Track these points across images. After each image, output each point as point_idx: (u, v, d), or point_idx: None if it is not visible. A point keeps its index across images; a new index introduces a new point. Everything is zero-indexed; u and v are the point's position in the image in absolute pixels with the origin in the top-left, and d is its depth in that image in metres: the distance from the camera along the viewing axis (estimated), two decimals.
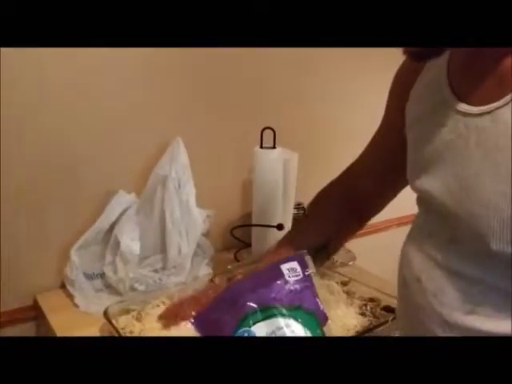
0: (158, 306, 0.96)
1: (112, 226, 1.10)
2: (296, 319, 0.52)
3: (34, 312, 1.08)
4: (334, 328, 0.79)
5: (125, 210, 1.10)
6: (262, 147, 1.23)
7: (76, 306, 1.04)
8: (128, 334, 0.87)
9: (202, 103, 1.24)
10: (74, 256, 1.06)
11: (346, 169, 0.88)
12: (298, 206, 1.33)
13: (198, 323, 0.56)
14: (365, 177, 0.83)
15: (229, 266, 1.14)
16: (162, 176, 1.10)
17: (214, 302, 0.59)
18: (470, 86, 0.57)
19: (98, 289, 1.09)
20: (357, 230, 0.89)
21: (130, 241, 1.04)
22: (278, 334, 0.50)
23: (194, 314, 0.57)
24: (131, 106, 1.13)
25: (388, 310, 0.91)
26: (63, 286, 1.10)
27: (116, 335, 0.87)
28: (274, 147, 1.23)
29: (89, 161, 1.09)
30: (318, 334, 0.51)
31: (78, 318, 1.00)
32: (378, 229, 1.67)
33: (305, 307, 0.53)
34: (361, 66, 1.49)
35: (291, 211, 1.29)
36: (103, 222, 1.08)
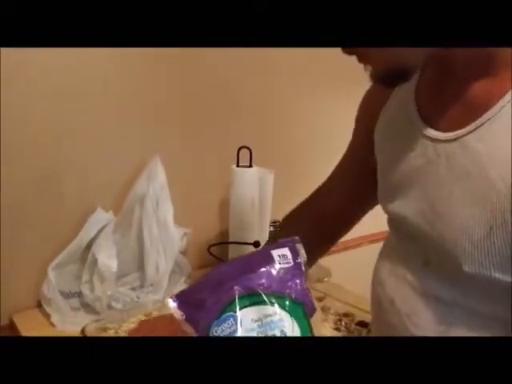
0: (134, 323, 0.97)
1: (89, 245, 1.11)
2: (284, 308, 0.51)
3: (10, 331, 1.07)
4: None
5: (102, 228, 1.10)
6: (238, 166, 1.25)
7: (52, 325, 1.03)
8: None
9: (179, 123, 1.26)
10: (51, 274, 1.06)
11: (315, 190, 0.89)
12: (274, 223, 1.36)
13: (181, 301, 0.54)
14: (333, 198, 0.84)
15: None
16: (139, 194, 1.12)
17: (199, 282, 0.57)
18: (437, 112, 0.58)
19: (74, 308, 1.08)
20: (328, 247, 0.90)
21: (108, 259, 1.04)
22: (265, 321, 0.50)
23: (175, 294, 0.55)
24: (108, 124, 1.14)
25: (362, 324, 0.93)
26: (39, 305, 1.09)
27: None
28: (250, 166, 1.25)
29: (66, 179, 1.10)
30: (305, 324, 0.51)
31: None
32: (352, 245, 1.70)
33: (293, 296, 0.53)
34: (335, 87, 1.53)
35: (267, 228, 1.31)
36: (81, 240, 1.09)
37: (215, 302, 0.52)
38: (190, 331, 0.54)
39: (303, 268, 0.55)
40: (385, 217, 0.71)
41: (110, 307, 1.07)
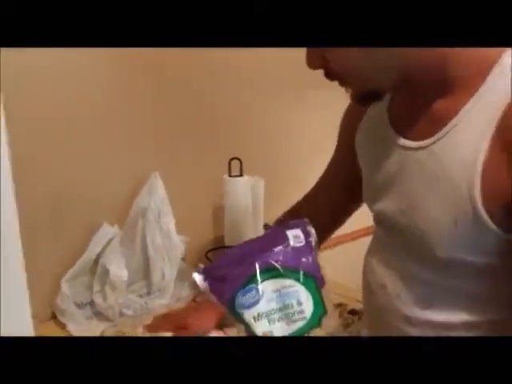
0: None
1: (97, 257, 1.19)
2: (298, 280, 0.60)
3: None
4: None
5: (109, 241, 1.19)
6: (230, 176, 1.35)
7: (69, 333, 1.11)
8: None
9: (174, 139, 1.35)
10: (64, 286, 1.14)
11: (305, 195, 0.98)
12: (265, 226, 1.46)
13: (206, 276, 0.63)
14: (322, 201, 0.93)
15: None
16: (142, 208, 1.20)
17: (222, 259, 0.66)
18: (407, 124, 0.68)
19: (87, 316, 1.17)
20: (324, 238, 0.96)
21: (118, 269, 1.13)
22: (282, 292, 0.59)
23: (202, 266, 0.63)
24: (109, 144, 1.23)
25: (354, 312, 1.04)
26: (54, 317, 1.17)
27: None
28: (241, 175, 1.35)
29: (74, 198, 1.18)
30: (317, 295, 0.61)
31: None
32: (335, 243, 1.81)
33: (306, 271, 0.61)
34: (320, 94, 1.64)
35: (261, 232, 1.41)
36: (90, 253, 1.17)
37: (238, 275, 0.61)
38: (214, 301, 0.62)
39: (314, 246, 0.64)
40: (361, 216, 0.81)
41: (121, 314, 1.15)
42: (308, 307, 0.61)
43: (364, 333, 0.97)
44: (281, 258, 0.62)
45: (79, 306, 1.17)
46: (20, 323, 0.44)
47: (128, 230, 1.22)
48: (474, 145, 0.59)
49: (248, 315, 0.61)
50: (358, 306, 1.01)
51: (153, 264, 1.19)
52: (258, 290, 0.60)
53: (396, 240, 0.73)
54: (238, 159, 1.35)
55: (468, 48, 0.60)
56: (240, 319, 0.63)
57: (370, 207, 0.78)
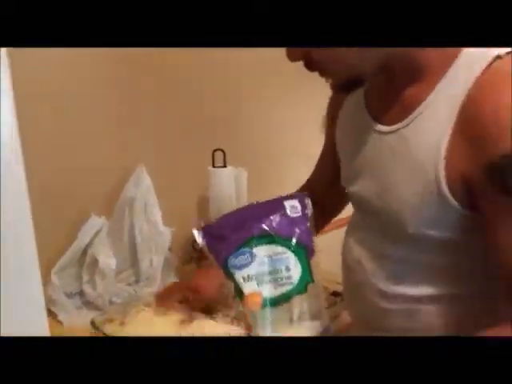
0: (138, 312, 1.09)
1: (86, 248, 1.22)
2: (289, 248, 0.65)
3: None
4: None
5: (97, 232, 1.21)
6: (214, 167, 1.39)
7: (60, 322, 1.14)
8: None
9: (160, 131, 1.38)
10: (54, 277, 1.16)
11: (306, 180, 1.02)
12: None
13: (205, 234, 0.67)
14: (320, 185, 0.97)
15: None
16: (129, 199, 1.23)
17: (222, 220, 0.70)
18: (382, 110, 0.73)
19: (77, 306, 1.19)
20: (322, 225, 1.02)
21: (107, 258, 1.16)
22: (274, 258, 0.64)
23: (202, 224, 0.68)
24: (95, 137, 1.25)
25: (336, 294, 1.09)
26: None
27: None
28: (224, 166, 1.39)
29: (61, 190, 1.20)
30: (305, 264, 0.66)
31: (65, 334, 1.10)
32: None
33: (298, 240, 0.67)
34: (302, 87, 1.68)
35: None
36: (78, 244, 1.19)
37: (235, 238, 0.65)
38: (211, 259, 0.66)
39: (309, 218, 0.68)
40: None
41: (111, 302, 1.18)
42: (296, 273, 0.66)
43: (344, 314, 1.02)
44: (276, 225, 0.66)
45: (69, 296, 1.20)
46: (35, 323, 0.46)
47: (115, 221, 1.24)
48: (438, 132, 0.63)
49: (238, 275, 0.66)
50: (340, 288, 1.06)
51: (140, 253, 1.22)
52: (251, 254, 0.65)
53: (371, 221, 0.77)
54: (222, 150, 1.38)
55: None
56: (231, 278, 0.67)
57: (348, 190, 0.82)
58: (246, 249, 0.65)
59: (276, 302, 0.67)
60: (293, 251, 0.66)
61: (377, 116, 0.74)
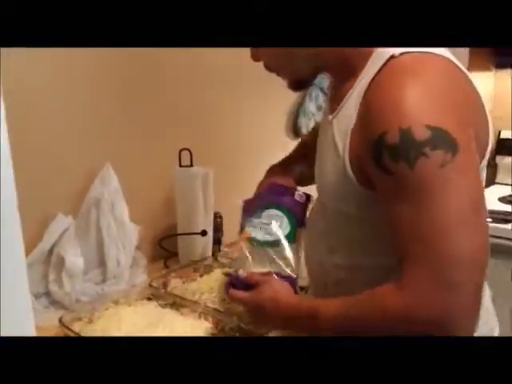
0: (107, 309, 1.10)
1: (52, 247, 1.22)
2: (285, 215, 0.93)
3: None
4: None
5: (64, 231, 1.21)
6: (180, 166, 1.41)
7: None
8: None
9: (126, 130, 1.39)
10: None
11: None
12: (216, 214, 1.52)
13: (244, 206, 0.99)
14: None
15: (163, 272, 1.31)
16: (95, 198, 1.24)
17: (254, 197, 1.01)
18: (332, 102, 0.84)
19: (44, 306, 1.19)
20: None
21: (74, 257, 1.16)
22: (273, 218, 0.93)
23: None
24: (60, 134, 1.26)
25: (302, 289, 1.12)
26: None
27: None
28: (191, 165, 1.41)
29: (27, 188, 1.19)
30: (293, 231, 0.92)
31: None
32: None
33: (293, 214, 0.93)
34: (265, 88, 1.71)
35: (211, 219, 1.47)
36: (45, 243, 1.19)
37: (255, 205, 0.96)
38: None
39: (308, 207, 0.93)
40: None
41: (78, 301, 1.18)
42: (284, 231, 0.91)
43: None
44: (284, 202, 0.94)
45: (35, 295, 1.19)
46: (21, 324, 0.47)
47: (82, 220, 1.25)
48: (349, 120, 0.73)
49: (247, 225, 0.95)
50: (305, 282, 1.10)
51: (108, 252, 1.23)
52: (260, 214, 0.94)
53: (317, 200, 0.92)
54: (189, 150, 1.40)
55: None
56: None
57: None
58: (259, 210, 0.94)
59: (261, 243, 0.92)
60: (288, 218, 0.92)
61: (330, 108, 0.84)
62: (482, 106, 0.73)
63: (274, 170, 1.05)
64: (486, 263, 0.63)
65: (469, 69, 0.73)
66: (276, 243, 0.91)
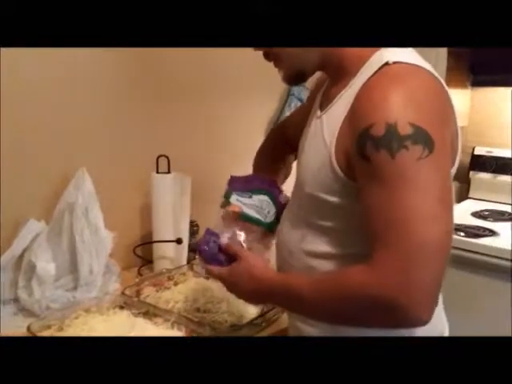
0: (76, 318, 1.07)
1: (23, 253, 1.19)
2: (273, 201, 1.02)
3: None
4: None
5: (36, 237, 1.19)
6: (158, 172, 1.39)
7: None
8: None
9: (102, 135, 1.37)
10: None
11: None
12: (192, 223, 1.51)
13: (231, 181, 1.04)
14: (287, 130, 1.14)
15: (136, 279, 1.28)
16: (69, 203, 1.21)
17: (248, 176, 1.07)
18: (323, 99, 0.90)
19: (13, 313, 1.16)
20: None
21: (45, 263, 1.13)
22: (264, 202, 1.00)
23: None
24: (34, 137, 1.23)
25: None
26: None
27: None
28: (168, 172, 1.40)
29: None
30: (276, 216, 1.00)
31: None
32: None
33: (280, 202, 1.02)
34: (249, 99, 1.71)
35: (187, 228, 1.46)
36: (15, 249, 1.16)
37: (245, 188, 1.02)
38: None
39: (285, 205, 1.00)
40: None
41: (47, 308, 1.15)
42: (271, 219, 1.00)
43: (282, 318, 1.07)
44: (275, 194, 1.02)
45: (3, 302, 1.16)
46: None
47: (55, 225, 1.22)
48: (339, 117, 0.79)
49: (234, 197, 1.01)
50: None
51: (80, 259, 1.20)
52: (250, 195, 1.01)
53: (295, 187, 0.94)
54: (166, 156, 1.39)
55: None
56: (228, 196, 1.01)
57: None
58: (249, 192, 1.01)
59: (252, 219, 0.99)
60: (276, 208, 1.01)
61: (321, 104, 0.91)
62: (455, 119, 0.80)
63: (261, 167, 1.13)
64: (448, 252, 0.69)
65: (446, 85, 0.78)
66: (265, 225, 0.99)
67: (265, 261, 0.93)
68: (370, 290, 0.68)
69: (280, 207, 1.01)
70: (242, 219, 0.98)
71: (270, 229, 1.00)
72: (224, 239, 0.93)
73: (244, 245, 0.95)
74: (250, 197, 1.00)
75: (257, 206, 1.00)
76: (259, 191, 1.01)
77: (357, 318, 0.73)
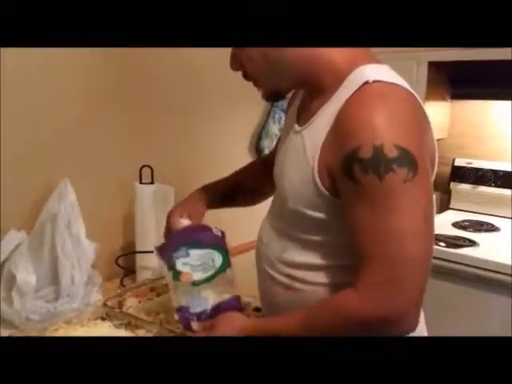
0: (56, 330, 1.06)
1: (3, 264, 1.17)
2: (214, 249, 0.98)
3: None
4: None
5: (16, 247, 1.18)
6: (141, 183, 1.39)
7: None
8: None
9: (85, 145, 1.37)
10: None
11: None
12: None
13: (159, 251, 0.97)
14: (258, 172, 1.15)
15: (118, 290, 1.28)
16: (51, 214, 1.21)
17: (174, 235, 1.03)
18: (301, 114, 0.91)
19: None
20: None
21: (26, 274, 1.12)
22: (205, 256, 0.96)
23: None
24: (15, 147, 1.22)
25: (258, 309, 1.12)
26: None
27: None
28: (152, 183, 1.40)
29: None
30: (226, 257, 0.97)
31: None
32: (248, 248, 1.90)
33: (219, 246, 0.98)
34: (232, 110, 1.72)
35: None
36: None
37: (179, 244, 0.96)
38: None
39: (225, 239, 0.99)
40: None
41: (28, 320, 1.14)
42: (218, 263, 0.96)
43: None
44: (206, 238, 0.98)
45: None
46: None
47: (36, 236, 1.21)
48: (321, 134, 0.81)
49: (179, 263, 0.95)
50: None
51: (62, 269, 1.19)
52: (186, 252, 0.96)
53: (275, 199, 0.97)
54: (150, 167, 1.39)
55: (332, 63, 0.82)
56: (173, 265, 0.96)
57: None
58: (184, 248, 0.95)
59: (204, 281, 0.95)
60: (215, 249, 0.97)
61: (298, 119, 0.91)
62: (432, 132, 0.83)
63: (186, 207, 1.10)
64: (429, 267, 0.74)
65: (426, 98, 0.81)
66: (217, 273, 0.96)
67: (241, 317, 0.91)
68: (362, 315, 0.72)
69: (220, 240, 0.98)
70: (197, 285, 0.95)
71: (222, 269, 0.97)
72: (193, 317, 0.94)
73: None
74: (186, 255, 0.95)
75: (199, 264, 0.95)
76: (191, 245, 0.96)
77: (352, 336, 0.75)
